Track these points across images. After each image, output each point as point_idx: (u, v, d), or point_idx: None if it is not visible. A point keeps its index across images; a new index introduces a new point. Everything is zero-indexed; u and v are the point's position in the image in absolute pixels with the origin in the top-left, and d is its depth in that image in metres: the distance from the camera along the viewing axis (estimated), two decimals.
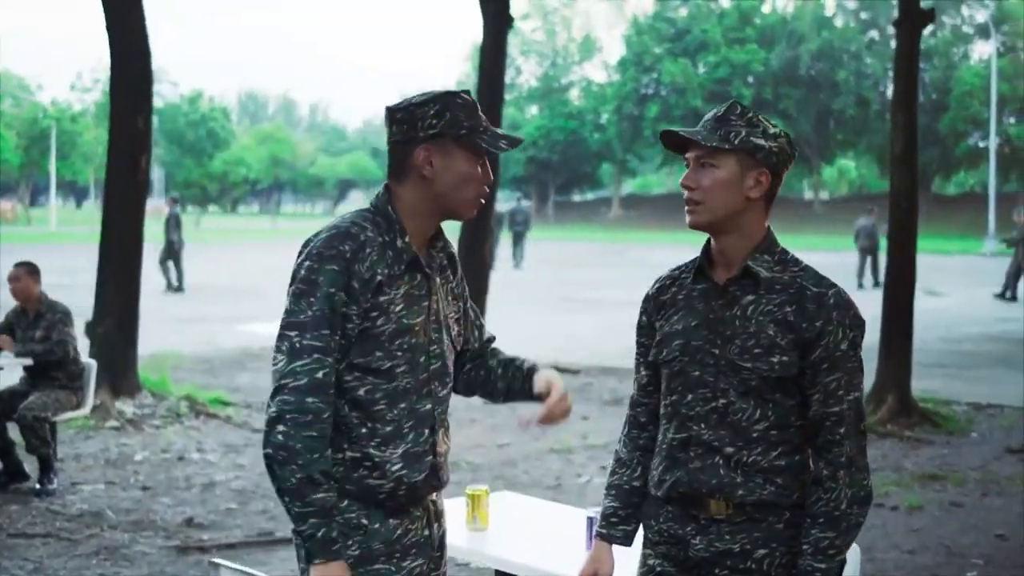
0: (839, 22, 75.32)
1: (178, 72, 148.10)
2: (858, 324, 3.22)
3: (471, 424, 11.45)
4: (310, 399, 3.07)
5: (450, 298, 3.43)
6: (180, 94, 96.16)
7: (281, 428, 3.06)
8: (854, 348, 3.19)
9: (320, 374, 3.09)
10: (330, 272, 3.12)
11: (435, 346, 3.32)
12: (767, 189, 3.24)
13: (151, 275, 25.99)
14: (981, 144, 68.59)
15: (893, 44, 49.08)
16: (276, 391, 3.10)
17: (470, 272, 14.83)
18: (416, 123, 3.22)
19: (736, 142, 3.18)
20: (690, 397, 3.26)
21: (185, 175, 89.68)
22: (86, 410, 9.34)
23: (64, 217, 75.67)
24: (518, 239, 36.99)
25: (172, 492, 8.83)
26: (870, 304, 12.24)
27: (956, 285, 29.86)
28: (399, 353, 3.22)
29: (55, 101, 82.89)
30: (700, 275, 3.33)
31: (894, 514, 8.43)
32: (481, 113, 3.27)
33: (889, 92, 71.15)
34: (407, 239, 3.26)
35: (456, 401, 11.29)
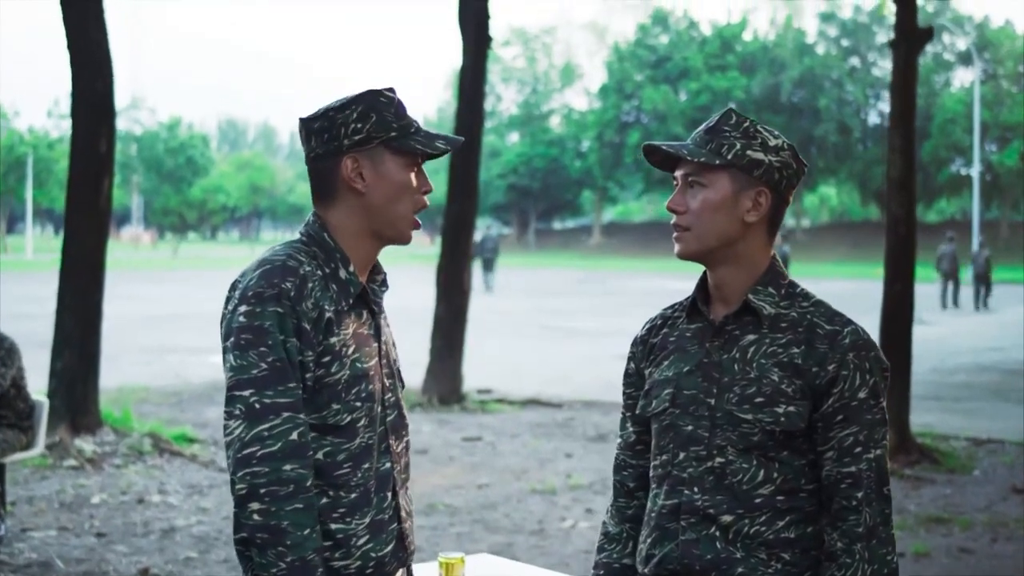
0: (820, 49, 75.32)
1: (157, 99, 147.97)
2: (880, 368, 2.70)
3: (449, 462, 10.91)
4: (288, 466, 2.56)
5: (392, 341, 2.94)
6: (158, 121, 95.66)
7: (257, 506, 2.54)
8: (875, 397, 2.68)
9: (295, 435, 2.58)
10: (275, 315, 2.61)
11: (390, 394, 2.83)
12: (768, 211, 2.74)
13: (118, 304, 25.44)
14: (963, 172, 68.61)
15: (875, 71, 49.75)
16: (240, 463, 2.56)
17: (450, 301, 14.38)
18: (339, 130, 2.74)
19: (729, 156, 2.69)
20: (682, 456, 2.75)
21: (163, 202, 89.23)
22: (37, 450, 8.74)
23: (41, 245, 75.13)
24: (488, 265, 38.86)
25: (128, 539, 8.24)
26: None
27: (942, 313, 29.49)
28: (358, 404, 2.71)
29: (32, 128, 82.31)
30: (695, 313, 2.84)
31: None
32: (408, 115, 2.80)
33: (871, 119, 71.55)
34: (351, 268, 2.76)
35: (433, 438, 10.68)
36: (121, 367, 16.94)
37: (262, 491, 2.54)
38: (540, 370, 17.97)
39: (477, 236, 39.81)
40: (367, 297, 2.80)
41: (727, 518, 2.68)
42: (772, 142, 2.73)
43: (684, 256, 2.77)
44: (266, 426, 2.56)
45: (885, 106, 70.58)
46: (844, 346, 2.66)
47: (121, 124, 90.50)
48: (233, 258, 65.70)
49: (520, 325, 25.80)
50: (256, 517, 2.54)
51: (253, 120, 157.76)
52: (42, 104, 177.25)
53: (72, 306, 11.33)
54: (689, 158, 2.71)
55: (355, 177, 2.75)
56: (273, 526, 2.54)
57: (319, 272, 2.71)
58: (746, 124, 2.73)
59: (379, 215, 2.77)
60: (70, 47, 11.34)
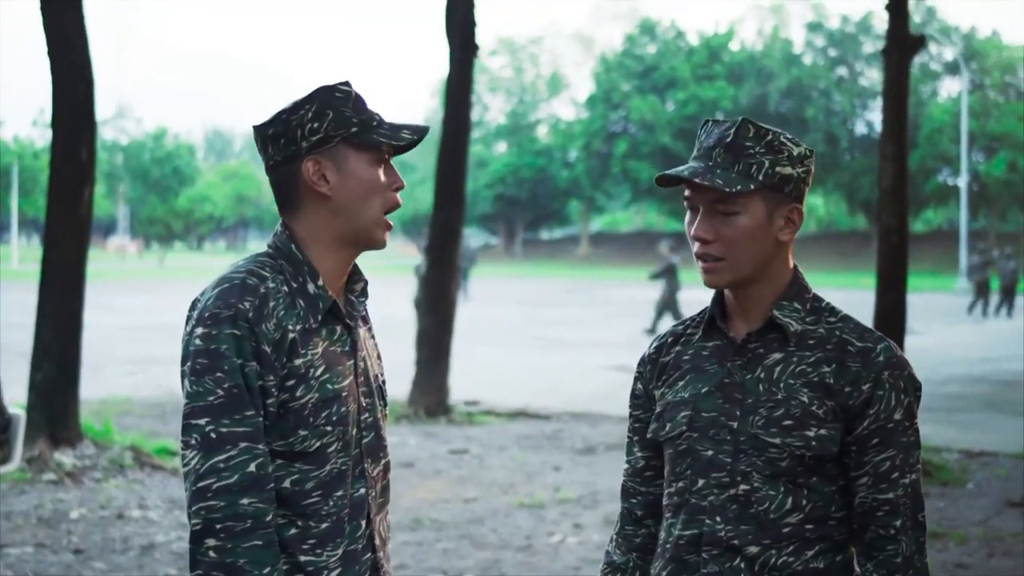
0: (808, 59, 75.36)
1: (143, 109, 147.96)
2: (915, 387, 2.54)
3: (435, 476, 10.73)
4: (245, 500, 2.39)
5: (375, 355, 2.76)
6: (145, 131, 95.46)
7: (212, 542, 2.36)
8: (910, 418, 2.51)
9: (253, 467, 2.41)
10: (231, 337, 2.43)
11: (367, 414, 2.65)
12: (798, 225, 2.56)
13: (103, 314, 25.25)
14: (950, 182, 68.66)
15: (862, 81, 50.19)
16: (196, 497, 2.39)
17: (436, 312, 14.20)
18: (295, 133, 2.56)
19: (760, 178, 2.48)
20: (701, 483, 2.56)
21: (150, 212, 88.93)
22: (13, 465, 8.48)
23: (26, 254, 74.76)
24: (464, 274, 39.41)
25: (107, 556, 8.05)
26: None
27: (933, 324, 29.36)
28: (328, 428, 2.53)
29: (17, 138, 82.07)
30: (712, 329, 2.64)
31: None
32: (371, 108, 2.62)
33: (858, 129, 71.62)
34: (320, 282, 2.58)
35: (419, 451, 10.48)
36: (105, 378, 16.75)
37: (218, 527, 2.38)
38: (528, 381, 17.80)
39: None
40: (339, 312, 2.62)
41: (753, 549, 2.50)
42: (796, 151, 2.54)
43: (717, 287, 2.58)
44: (222, 457, 2.40)
45: (872, 116, 70.74)
46: (879, 364, 2.50)
47: (107, 134, 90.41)
48: (219, 268, 65.51)
49: (508, 335, 25.64)
50: (212, 554, 2.38)
51: (239, 130, 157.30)
52: (27, 113, 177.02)
53: (52, 316, 11.13)
54: (727, 190, 2.46)
55: (318, 180, 2.57)
56: (229, 564, 2.37)
57: (285, 288, 2.54)
58: (769, 137, 2.51)
59: (349, 218, 2.59)
60: (50, 54, 11.16)
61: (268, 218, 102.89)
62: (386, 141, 2.58)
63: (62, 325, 11.12)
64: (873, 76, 71.04)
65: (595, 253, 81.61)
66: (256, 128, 2.62)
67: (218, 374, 2.43)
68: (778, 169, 2.50)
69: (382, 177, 2.60)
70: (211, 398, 2.42)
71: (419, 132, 2.62)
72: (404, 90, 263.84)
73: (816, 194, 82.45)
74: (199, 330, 2.46)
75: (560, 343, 24.09)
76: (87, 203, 11.18)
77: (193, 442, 2.42)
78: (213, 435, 2.41)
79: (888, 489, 2.49)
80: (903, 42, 11.43)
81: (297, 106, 2.56)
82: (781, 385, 2.52)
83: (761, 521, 2.50)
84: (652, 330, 25.22)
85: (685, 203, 2.57)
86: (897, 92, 11.39)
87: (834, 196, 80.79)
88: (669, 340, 2.74)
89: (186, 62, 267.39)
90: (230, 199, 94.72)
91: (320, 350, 2.55)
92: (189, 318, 2.53)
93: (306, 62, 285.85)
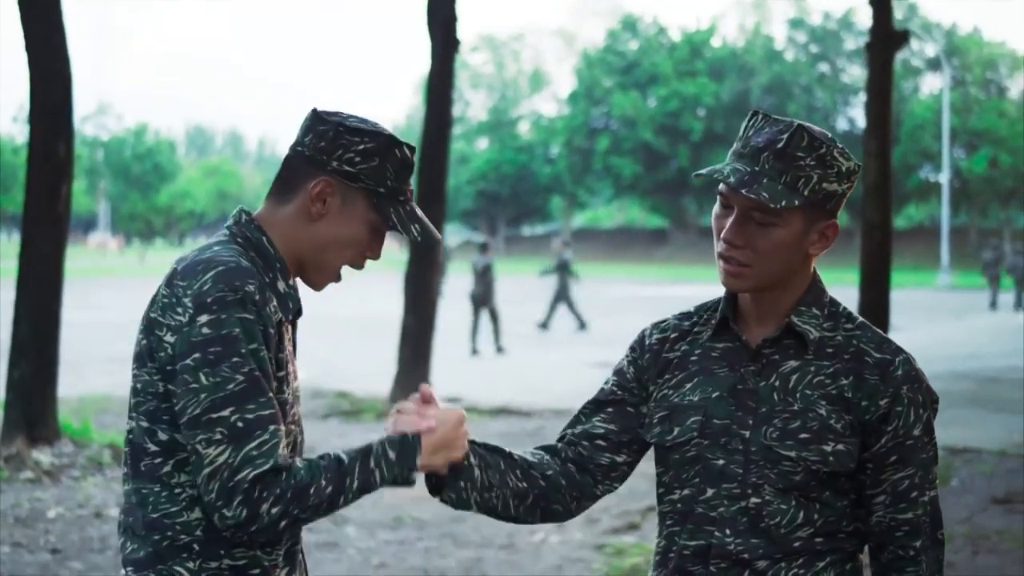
0: (789, 56, 75.54)
1: (124, 105, 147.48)
2: (932, 401, 2.46)
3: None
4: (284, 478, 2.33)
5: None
6: (126, 127, 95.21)
7: (276, 511, 2.31)
8: (928, 433, 2.44)
9: (282, 447, 2.33)
10: (243, 321, 2.33)
11: (295, 410, 2.56)
12: (831, 241, 2.46)
13: (83, 311, 25.13)
14: (931, 178, 68.85)
15: (843, 78, 50.38)
16: (232, 492, 2.28)
17: (418, 310, 14.11)
18: (335, 149, 2.46)
19: (806, 192, 2.36)
20: (710, 493, 2.46)
21: (131, 208, 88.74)
22: None
23: (7, 251, 74.43)
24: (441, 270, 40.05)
25: (84, 555, 7.96)
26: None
27: (915, 320, 29.38)
28: (292, 426, 2.49)
29: None
30: (723, 330, 2.53)
31: None
32: (410, 182, 2.55)
33: (840, 125, 71.74)
34: (291, 282, 2.50)
35: None
36: (85, 376, 16.64)
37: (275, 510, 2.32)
38: (510, 378, 17.73)
39: None
40: (300, 313, 2.57)
41: (762, 563, 2.42)
42: (845, 166, 2.41)
43: (736, 290, 2.48)
44: (253, 444, 2.29)
45: (854, 112, 70.87)
46: (897, 379, 2.41)
47: (88, 130, 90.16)
48: None
49: (489, 332, 25.53)
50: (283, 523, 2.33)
51: (221, 126, 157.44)
52: (7, 109, 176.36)
53: (29, 315, 11.03)
54: (772, 205, 2.34)
55: (317, 199, 2.48)
56: (290, 510, 2.33)
57: (263, 277, 2.45)
58: (822, 150, 2.37)
59: (313, 248, 2.51)
60: (28, 51, 11.07)
61: None
62: (395, 222, 2.51)
63: (40, 322, 11.02)
64: (855, 72, 71.22)
65: (577, 249, 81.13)
66: (316, 111, 2.52)
67: (235, 359, 2.31)
68: (824, 185, 2.39)
69: (367, 239, 2.53)
70: (231, 386, 2.30)
71: (427, 236, 2.54)
72: (386, 86, 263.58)
73: None
74: (204, 317, 2.33)
75: (542, 340, 24.04)
76: (65, 200, 11.08)
77: (218, 436, 2.29)
78: (240, 424, 2.30)
79: (907, 509, 2.42)
80: (887, 37, 11.44)
81: (358, 130, 2.47)
82: (797, 395, 2.43)
83: (772, 535, 2.42)
84: (545, 324, 26.00)
85: (719, 197, 2.46)
86: (881, 88, 11.40)
87: None
88: (673, 335, 2.62)
89: (168, 60, 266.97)
90: (211, 195, 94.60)
91: (284, 347, 2.50)
92: (171, 305, 2.39)
93: (288, 60, 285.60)
